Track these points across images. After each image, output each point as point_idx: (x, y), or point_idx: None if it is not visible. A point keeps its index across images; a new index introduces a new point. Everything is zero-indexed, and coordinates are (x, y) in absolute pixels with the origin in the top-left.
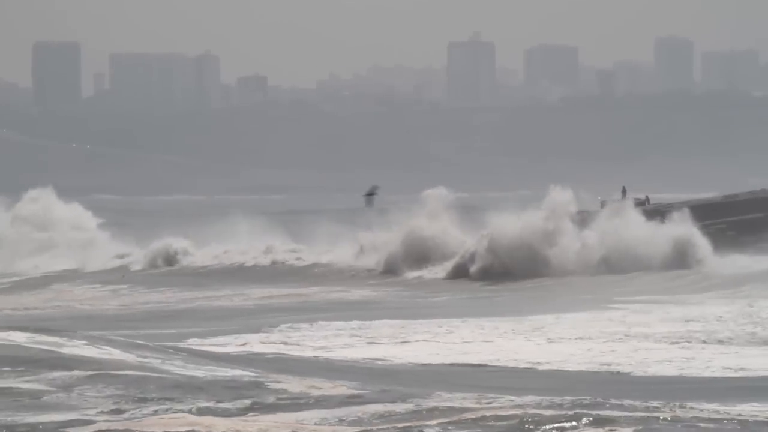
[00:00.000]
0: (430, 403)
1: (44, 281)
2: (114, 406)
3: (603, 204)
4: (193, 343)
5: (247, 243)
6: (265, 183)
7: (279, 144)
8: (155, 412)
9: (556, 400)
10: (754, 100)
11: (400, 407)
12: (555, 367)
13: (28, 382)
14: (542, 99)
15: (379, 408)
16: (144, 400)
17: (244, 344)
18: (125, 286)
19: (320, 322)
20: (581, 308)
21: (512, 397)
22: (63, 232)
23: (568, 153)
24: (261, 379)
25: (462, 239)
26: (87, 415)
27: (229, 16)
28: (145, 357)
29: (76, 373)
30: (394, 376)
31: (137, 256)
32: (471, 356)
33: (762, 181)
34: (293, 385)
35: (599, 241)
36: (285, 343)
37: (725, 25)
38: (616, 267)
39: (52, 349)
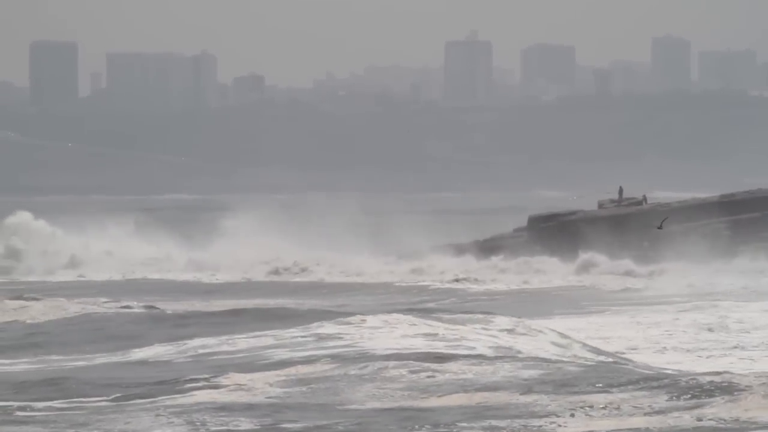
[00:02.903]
0: None
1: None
2: None
3: (600, 204)
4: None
5: None
6: (262, 182)
7: (275, 143)
8: None
9: None
10: (750, 99)
11: None
12: None
13: None
14: (539, 98)
15: None
16: None
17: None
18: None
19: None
20: None
21: None
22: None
23: (564, 152)
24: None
25: None
26: None
27: (225, 15)
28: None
29: None
30: None
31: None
32: None
33: (759, 180)
34: None
35: None
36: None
37: (722, 24)
38: None
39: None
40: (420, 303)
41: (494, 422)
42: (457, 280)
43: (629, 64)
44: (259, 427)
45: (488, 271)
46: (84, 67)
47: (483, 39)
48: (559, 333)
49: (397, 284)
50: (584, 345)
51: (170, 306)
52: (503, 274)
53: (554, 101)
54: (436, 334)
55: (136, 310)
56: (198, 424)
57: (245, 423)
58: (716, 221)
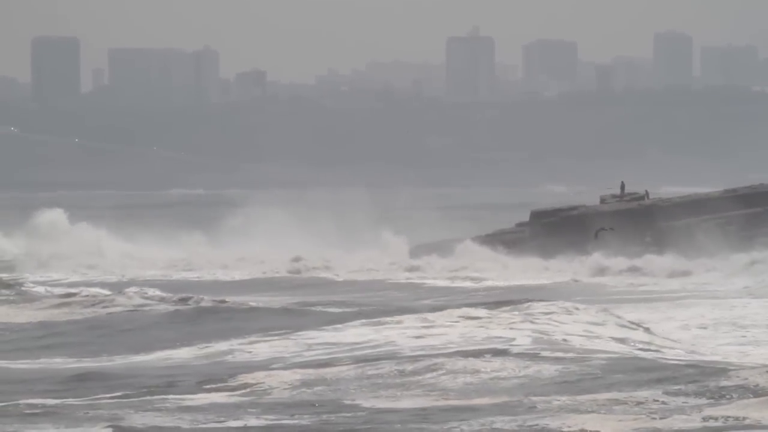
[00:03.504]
0: None
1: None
2: None
3: (602, 199)
4: None
5: None
6: (265, 178)
7: (278, 139)
8: None
9: None
10: (752, 95)
11: None
12: None
13: None
14: (541, 94)
15: None
16: None
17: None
18: None
19: None
20: None
21: None
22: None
23: (566, 148)
24: None
25: None
26: None
27: (227, 11)
28: None
29: None
30: None
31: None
32: None
33: (762, 176)
34: None
35: None
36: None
37: (724, 20)
38: None
39: None
40: (416, 300)
41: (500, 423)
42: (450, 278)
43: (631, 59)
44: (264, 423)
45: (487, 267)
46: (86, 63)
47: (484, 35)
48: (601, 308)
49: (391, 281)
50: (619, 318)
51: (188, 305)
52: (503, 270)
53: (556, 97)
54: (474, 329)
55: (153, 310)
56: (202, 420)
57: (251, 419)
58: (719, 216)
